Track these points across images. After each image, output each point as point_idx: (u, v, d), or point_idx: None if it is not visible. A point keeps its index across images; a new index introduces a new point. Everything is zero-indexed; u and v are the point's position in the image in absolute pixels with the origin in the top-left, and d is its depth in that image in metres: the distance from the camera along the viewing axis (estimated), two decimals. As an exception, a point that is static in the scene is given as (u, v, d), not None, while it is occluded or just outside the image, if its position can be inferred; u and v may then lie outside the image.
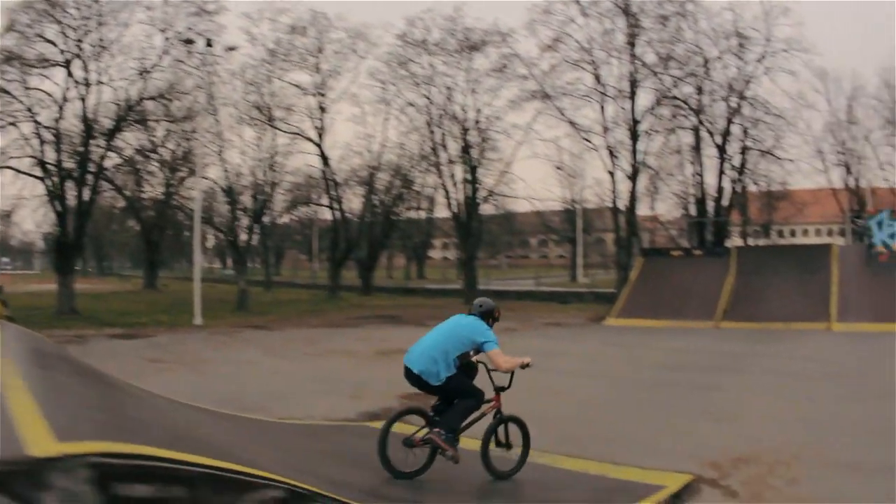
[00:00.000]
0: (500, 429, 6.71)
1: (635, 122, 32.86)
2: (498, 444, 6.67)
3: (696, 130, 35.07)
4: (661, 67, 33.19)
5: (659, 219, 42.81)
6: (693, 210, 35.89)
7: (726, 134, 34.63)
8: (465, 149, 36.31)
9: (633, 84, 32.96)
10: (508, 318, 27.92)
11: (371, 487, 6.06)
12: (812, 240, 60.20)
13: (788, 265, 26.43)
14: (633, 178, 32.87)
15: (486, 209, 40.21)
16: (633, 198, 32.91)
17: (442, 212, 45.28)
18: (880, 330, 21.17)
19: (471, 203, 37.03)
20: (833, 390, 12.33)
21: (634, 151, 32.87)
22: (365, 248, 42.30)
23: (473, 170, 36.71)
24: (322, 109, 36.97)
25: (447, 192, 37.09)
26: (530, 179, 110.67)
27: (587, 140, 34.38)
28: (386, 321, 25.28)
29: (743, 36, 33.07)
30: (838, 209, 39.71)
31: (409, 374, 6.45)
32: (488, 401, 6.67)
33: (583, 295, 36.95)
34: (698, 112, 34.44)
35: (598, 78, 33.36)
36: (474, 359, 6.67)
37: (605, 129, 33.22)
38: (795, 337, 20.78)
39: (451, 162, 37.07)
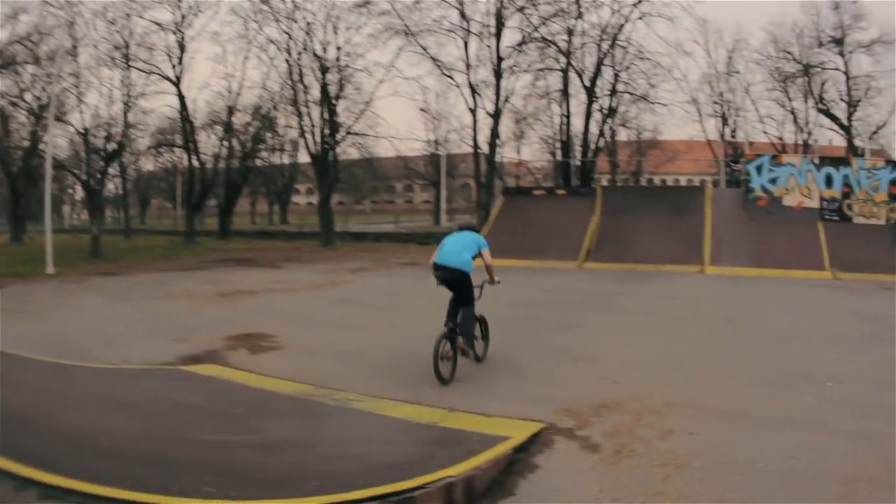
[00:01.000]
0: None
1: (500, 59, 29.75)
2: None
3: (564, 72, 33.00)
4: (529, 4, 30.24)
5: (525, 163, 41.18)
6: (561, 155, 34.19)
7: (595, 77, 33.02)
8: (324, 87, 33.03)
9: (500, 20, 29.67)
10: (362, 258, 25.72)
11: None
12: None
13: (659, 206, 24.48)
14: (495, 116, 29.77)
15: (350, 153, 37.98)
16: (494, 136, 29.76)
17: (305, 156, 42.54)
18: (755, 274, 20.01)
19: (328, 143, 33.88)
20: (703, 332, 11.45)
21: (498, 90, 29.78)
22: (222, 193, 41.02)
23: (332, 110, 33.45)
24: (181, 47, 33.57)
25: (303, 132, 34.03)
26: (396, 122, 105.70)
27: (450, 77, 31.00)
28: (238, 264, 24.26)
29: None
30: (713, 159, 38.70)
31: (444, 269, 7.97)
32: None
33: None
34: (567, 54, 32.51)
35: (462, 14, 29.94)
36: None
37: (468, 67, 29.90)
38: (665, 279, 19.11)
39: (308, 103, 33.76)
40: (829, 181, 23.16)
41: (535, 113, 37.13)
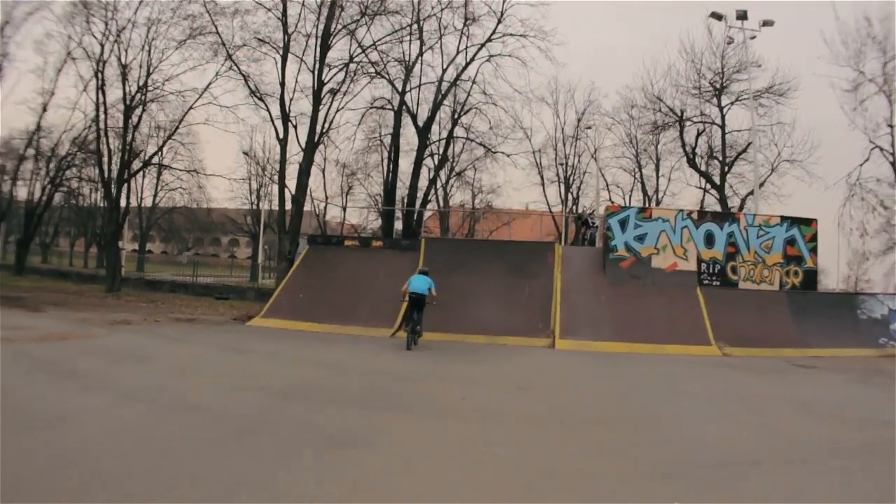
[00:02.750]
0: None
1: (321, 83, 23.91)
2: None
3: (397, 112, 27.86)
4: (363, 23, 25.19)
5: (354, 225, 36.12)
6: (383, 204, 29.28)
7: (431, 119, 28.39)
8: (127, 107, 27.12)
9: (326, 39, 24.18)
10: (139, 309, 20.99)
11: None
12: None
13: (498, 264, 19.15)
14: (307, 149, 23.68)
15: (174, 198, 36.18)
16: (304, 173, 23.56)
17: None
18: (621, 350, 15.36)
19: (119, 175, 27.98)
20: (579, 455, 6.35)
21: (314, 119, 23.74)
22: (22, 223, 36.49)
23: (129, 132, 27.59)
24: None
25: (100, 157, 28.08)
26: (223, 166, 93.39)
27: (260, 100, 24.89)
28: (3, 302, 19.86)
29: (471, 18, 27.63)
30: (558, 226, 34.24)
31: (415, 295, 14.65)
32: None
33: (245, 290, 29.74)
34: (402, 93, 27.80)
35: (284, 25, 24.20)
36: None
37: (283, 86, 23.87)
38: (506, 355, 13.88)
39: (107, 129, 27.78)
40: (709, 240, 18.78)
41: (364, 168, 32.89)
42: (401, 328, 16.40)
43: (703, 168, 30.70)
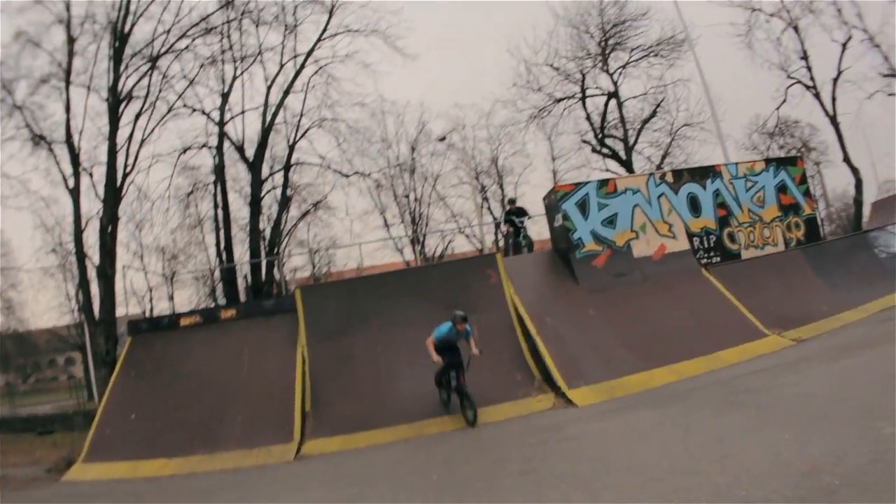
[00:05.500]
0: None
1: (115, 100, 17.61)
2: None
3: (218, 148, 22.33)
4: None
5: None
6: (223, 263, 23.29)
7: (262, 149, 22.82)
8: None
9: (122, 38, 18.04)
10: None
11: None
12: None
13: (422, 303, 12.53)
14: (107, 201, 16.80)
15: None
16: (106, 236, 16.37)
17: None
18: (665, 379, 9.99)
19: None
20: None
21: (112, 162, 16.96)
22: None
23: None
24: None
25: None
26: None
27: (42, 139, 18.01)
28: None
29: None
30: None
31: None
32: None
33: (73, 419, 20.96)
34: (221, 124, 22.18)
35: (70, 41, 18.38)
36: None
37: (69, 123, 17.28)
38: (496, 455, 7.84)
39: None
40: (694, 205, 13.76)
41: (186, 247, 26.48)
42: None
43: (601, 148, 25.58)
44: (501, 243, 21.50)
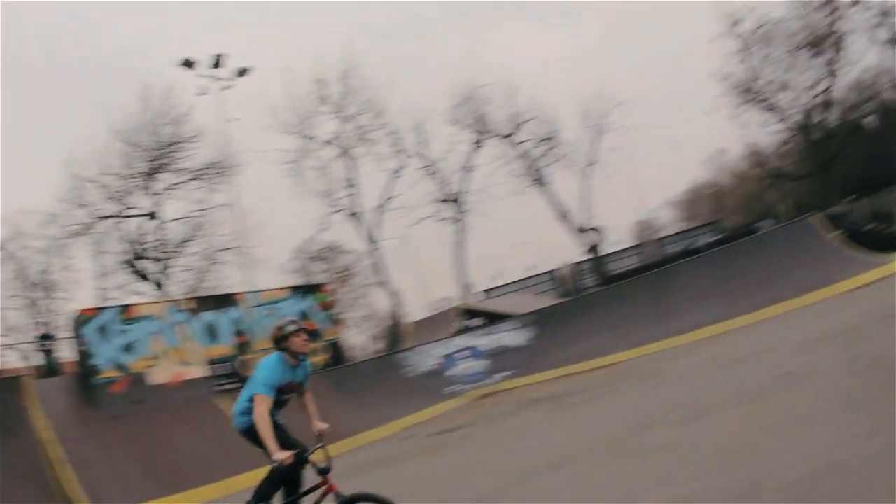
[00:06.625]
0: None
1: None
2: None
3: None
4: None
5: None
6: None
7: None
8: None
9: None
10: None
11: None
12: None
13: None
14: None
15: None
16: None
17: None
18: None
19: None
20: None
21: None
22: None
23: None
24: None
25: None
26: None
27: None
28: None
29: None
30: None
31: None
32: None
33: None
34: None
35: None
36: None
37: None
38: None
39: None
40: (213, 333, 15.15)
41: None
42: None
43: (135, 269, 25.12)
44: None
